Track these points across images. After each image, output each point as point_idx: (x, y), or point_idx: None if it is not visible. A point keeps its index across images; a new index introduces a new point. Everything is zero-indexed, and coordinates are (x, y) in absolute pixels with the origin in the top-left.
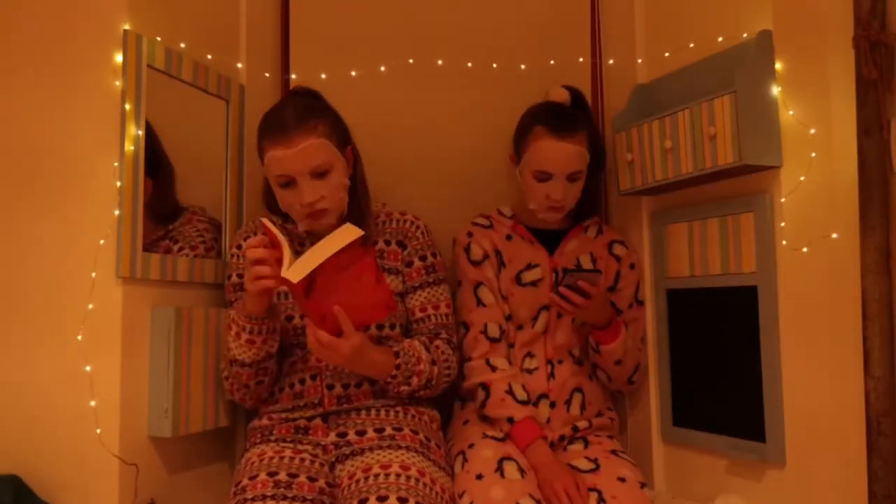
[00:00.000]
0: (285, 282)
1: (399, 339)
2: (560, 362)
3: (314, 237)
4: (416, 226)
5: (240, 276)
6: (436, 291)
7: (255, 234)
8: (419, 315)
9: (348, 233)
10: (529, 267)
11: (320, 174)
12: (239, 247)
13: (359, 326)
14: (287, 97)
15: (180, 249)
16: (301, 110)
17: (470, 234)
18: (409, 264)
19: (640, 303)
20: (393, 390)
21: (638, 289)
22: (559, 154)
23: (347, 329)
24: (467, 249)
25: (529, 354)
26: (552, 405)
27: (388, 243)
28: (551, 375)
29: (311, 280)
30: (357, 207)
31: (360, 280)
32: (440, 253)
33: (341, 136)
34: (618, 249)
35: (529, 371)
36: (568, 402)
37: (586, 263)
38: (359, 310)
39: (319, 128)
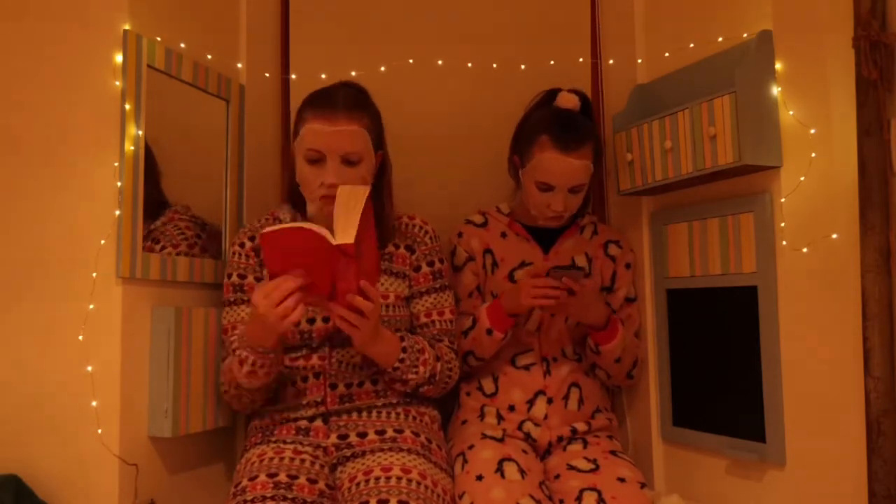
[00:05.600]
0: (340, 248)
1: None
2: (555, 360)
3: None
4: (425, 231)
5: (241, 276)
6: (441, 297)
7: (258, 232)
8: (424, 320)
9: (361, 189)
10: (523, 265)
11: (351, 161)
12: (242, 245)
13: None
14: (340, 84)
15: (162, 248)
16: (353, 98)
17: (460, 235)
18: (417, 269)
19: (633, 300)
20: (399, 378)
21: (632, 286)
22: (564, 169)
23: (375, 295)
24: (453, 253)
25: (524, 351)
26: (549, 401)
27: (396, 247)
28: (547, 372)
29: (358, 237)
30: (380, 212)
31: (369, 242)
32: (447, 258)
33: (378, 137)
34: (613, 250)
35: (526, 367)
36: (566, 398)
37: (581, 263)
38: (366, 276)
39: (364, 119)
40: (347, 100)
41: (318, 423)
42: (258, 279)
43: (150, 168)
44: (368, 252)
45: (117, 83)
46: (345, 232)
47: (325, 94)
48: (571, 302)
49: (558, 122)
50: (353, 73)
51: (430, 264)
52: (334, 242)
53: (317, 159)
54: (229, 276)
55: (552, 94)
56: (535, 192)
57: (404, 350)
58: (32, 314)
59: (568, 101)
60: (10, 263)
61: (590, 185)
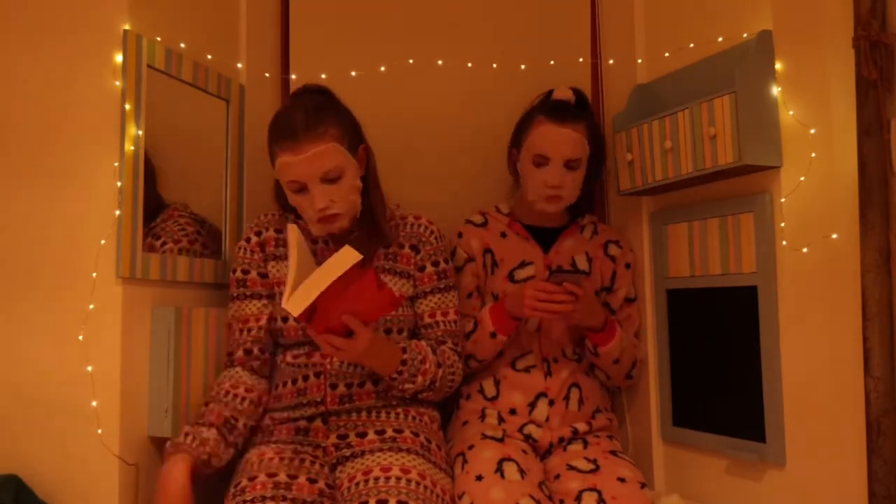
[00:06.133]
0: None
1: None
2: (556, 360)
3: (331, 238)
4: (431, 231)
5: (244, 271)
6: (445, 298)
7: (267, 228)
8: (428, 321)
9: (347, 258)
10: (523, 265)
11: (331, 180)
12: (248, 240)
13: (368, 323)
14: (296, 97)
15: (163, 244)
16: (311, 113)
17: (459, 235)
18: (422, 269)
19: (632, 300)
20: (398, 387)
21: (631, 286)
22: (558, 137)
23: (358, 329)
24: (452, 253)
25: (524, 353)
26: (551, 403)
27: (401, 247)
28: (548, 373)
29: (313, 307)
30: (369, 207)
31: (362, 294)
32: (451, 259)
33: (353, 136)
34: (613, 250)
35: (527, 370)
36: (566, 399)
37: (581, 263)
38: (363, 313)
39: (330, 131)
40: (307, 117)
41: (318, 423)
42: (262, 274)
43: (147, 168)
44: (364, 295)
45: (117, 83)
46: (297, 301)
47: (284, 121)
48: (576, 307)
49: (551, 103)
50: (353, 73)
51: (435, 264)
52: (283, 303)
53: (299, 189)
54: (234, 271)
55: (548, 92)
56: (532, 171)
57: (404, 363)
58: (32, 314)
59: (563, 92)
60: (10, 263)
61: (591, 184)
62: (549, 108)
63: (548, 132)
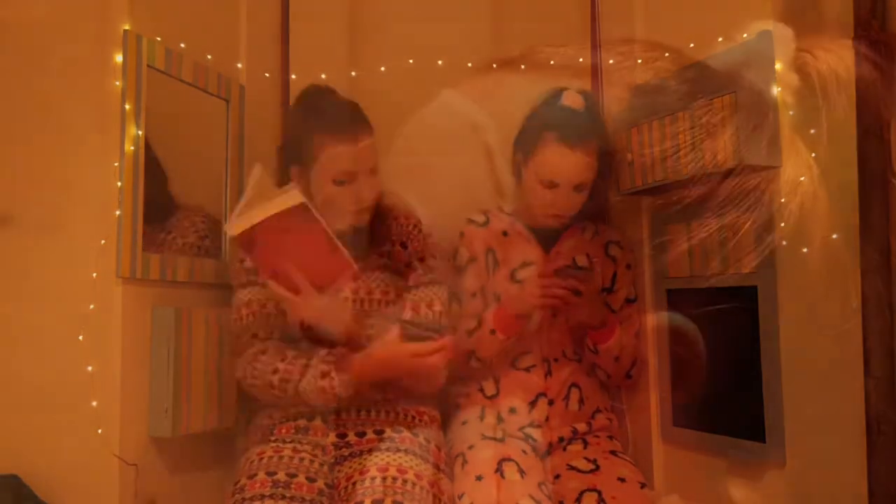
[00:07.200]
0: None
1: None
2: (556, 360)
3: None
4: (419, 228)
5: None
6: (431, 291)
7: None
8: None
9: (289, 197)
10: (524, 265)
11: (374, 172)
12: None
13: (321, 289)
14: (330, 96)
15: (173, 238)
16: (356, 110)
17: (461, 235)
18: (408, 264)
19: (633, 301)
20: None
21: (632, 287)
22: (568, 164)
23: (301, 285)
24: (455, 253)
25: (525, 353)
26: (550, 403)
27: (392, 244)
28: (548, 373)
29: (251, 238)
30: (385, 208)
31: (311, 247)
32: (440, 255)
33: None
34: (614, 250)
35: (527, 369)
36: (566, 399)
37: (582, 264)
38: (317, 273)
39: (369, 129)
40: (354, 114)
41: (318, 421)
42: None
43: (156, 170)
44: (311, 252)
45: (117, 83)
46: (236, 223)
47: (337, 113)
48: (578, 302)
49: (561, 118)
50: (353, 73)
51: (421, 259)
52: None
53: (346, 180)
54: (242, 261)
55: (557, 93)
56: (539, 190)
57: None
58: (33, 314)
59: (573, 100)
60: (9, 263)
61: (601, 186)
62: (560, 126)
63: (558, 158)
